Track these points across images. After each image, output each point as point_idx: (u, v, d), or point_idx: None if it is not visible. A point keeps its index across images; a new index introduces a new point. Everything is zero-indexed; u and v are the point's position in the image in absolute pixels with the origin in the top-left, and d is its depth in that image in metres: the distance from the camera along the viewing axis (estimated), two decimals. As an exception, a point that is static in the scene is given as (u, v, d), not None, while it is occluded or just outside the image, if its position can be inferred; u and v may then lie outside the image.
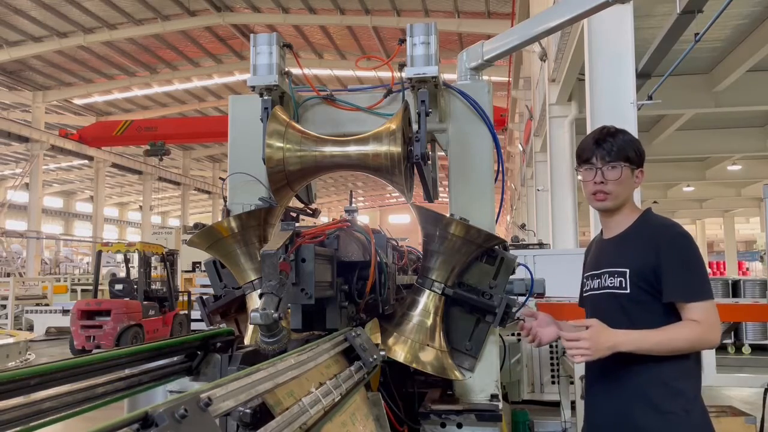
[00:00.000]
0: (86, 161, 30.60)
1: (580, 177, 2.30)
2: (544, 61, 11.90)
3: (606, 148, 2.20)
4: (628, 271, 2.12)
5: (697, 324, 2.01)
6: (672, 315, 2.07)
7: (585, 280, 2.36)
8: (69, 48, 22.43)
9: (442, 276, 2.58)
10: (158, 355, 1.94)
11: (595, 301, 2.26)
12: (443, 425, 2.45)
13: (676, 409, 2.04)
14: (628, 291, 2.11)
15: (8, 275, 24.66)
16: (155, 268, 15.59)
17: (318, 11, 20.75)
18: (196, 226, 2.74)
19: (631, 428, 2.08)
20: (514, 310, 2.68)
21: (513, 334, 4.91)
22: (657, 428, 2.04)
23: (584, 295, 2.34)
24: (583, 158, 2.26)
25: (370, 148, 2.49)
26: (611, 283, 2.17)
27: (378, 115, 2.90)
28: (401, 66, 2.66)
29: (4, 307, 18.28)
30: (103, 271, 20.83)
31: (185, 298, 15.81)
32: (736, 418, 4.56)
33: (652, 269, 2.07)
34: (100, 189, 30.31)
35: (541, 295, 4.29)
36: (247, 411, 1.36)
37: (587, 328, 2.05)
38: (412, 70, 2.58)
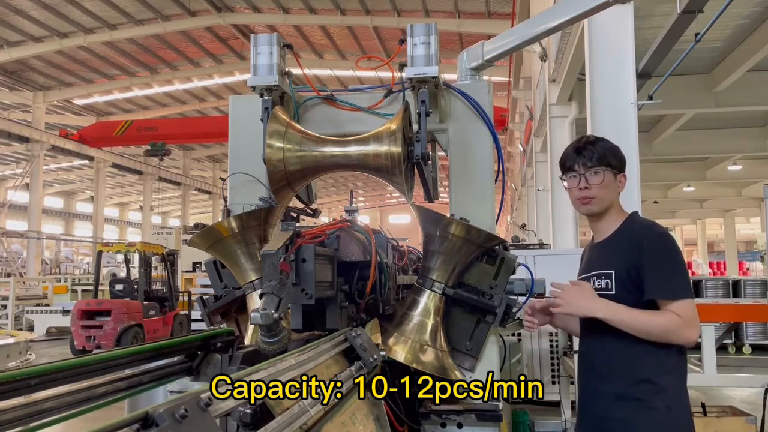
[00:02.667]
0: (86, 161, 30.59)
1: (565, 185, 2.37)
2: (545, 61, 11.89)
3: (587, 155, 2.28)
4: (613, 272, 2.20)
5: (676, 317, 2.06)
6: None
7: None
8: (69, 48, 22.42)
9: (443, 276, 2.58)
10: (158, 355, 1.94)
11: None
12: (444, 425, 2.45)
13: (657, 405, 2.09)
14: (614, 292, 2.19)
15: (9, 275, 24.68)
16: (155, 268, 15.58)
17: (318, 11, 20.74)
18: (197, 226, 2.74)
19: (615, 421, 2.14)
20: (514, 310, 2.68)
21: (513, 334, 4.91)
22: (638, 422, 2.10)
23: None
24: (566, 167, 2.35)
25: (371, 148, 2.50)
26: (599, 285, 2.25)
27: (378, 115, 2.90)
28: (401, 66, 2.66)
29: (5, 307, 18.28)
30: (104, 271, 20.82)
31: (185, 298, 15.81)
32: (736, 418, 4.56)
33: (635, 269, 2.14)
34: (101, 189, 30.30)
35: (542, 295, 4.28)
36: (247, 411, 1.36)
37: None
38: (413, 71, 2.58)
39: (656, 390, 2.10)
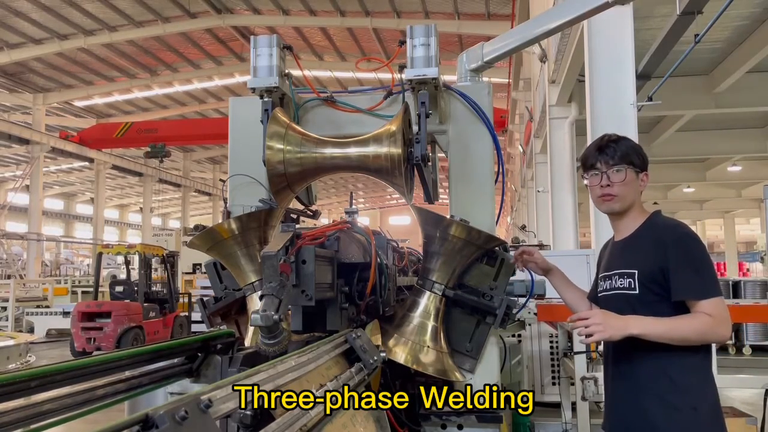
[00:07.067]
0: (87, 163, 30.61)
1: (586, 182, 2.36)
2: (544, 62, 11.90)
3: (609, 153, 2.27)
4: (636, 272, 2.19)
5: (708, 317, 2.05)
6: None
7: (599, 281, 2.43)
8: (69, 50, 22.44)
9: (443, 277, 2.58)
10: (159, 357, 1.94)
11: (607, 301, 2.32)
12: (444, 426, 2.45)
13: (682, 406, 2.08)
14: (637, 292, 2.18)
15: (9, 277, 24.68)
16: (156, 269, 15.58)
17: (318, 13, 20.76)
18: (197, 227, 2.74)
19: (641, 425, 2.13)
20: (514, 311, 2.68)
21: (514, 336, 4.91)
22: (665, 424, 2.09)
23: (598, 295, 2.41)
24: (587, 165, 2.34)
25: (371, 149, 2.50)
26: (621, 284, 2.24)
27: (378, 116, 2.90)
28: (401, 67, 2.66)
29: (5, 309, 18.28)
30: (104, 273, 20.83)
31: (186, 299, 15.80)
32: (737, 419, 4.55)
33: (660, 270, 2.13)
34: (101, 191, 30.30)
35: (542, 296, 4.29)
36: (248, 413, 1.36)
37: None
38: (413, 72, 2.58)
39: (681, 389, 2.10)
